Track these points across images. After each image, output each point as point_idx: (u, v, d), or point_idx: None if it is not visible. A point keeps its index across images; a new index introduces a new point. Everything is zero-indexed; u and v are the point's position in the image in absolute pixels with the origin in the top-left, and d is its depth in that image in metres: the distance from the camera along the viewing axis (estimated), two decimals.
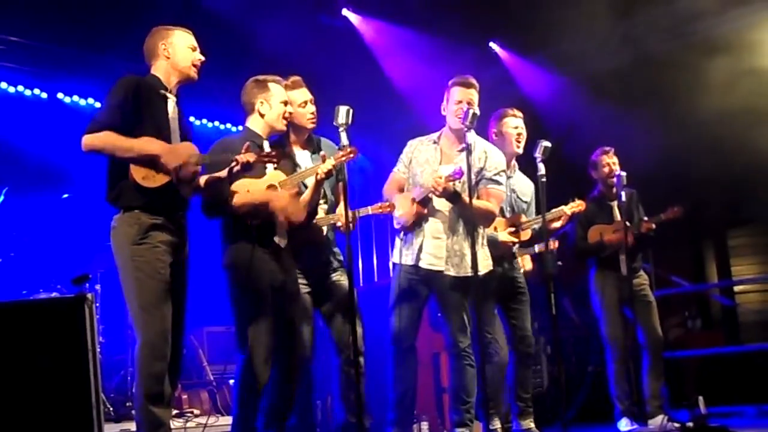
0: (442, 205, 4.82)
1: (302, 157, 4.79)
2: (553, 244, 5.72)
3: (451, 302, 4.84)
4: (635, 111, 7.81)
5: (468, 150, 4.68)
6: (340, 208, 4.70)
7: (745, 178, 7.97)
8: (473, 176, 4.79)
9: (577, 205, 5.47)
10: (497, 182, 4.92)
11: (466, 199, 4.69)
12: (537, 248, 5.65)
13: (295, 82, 4.74)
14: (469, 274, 4.76)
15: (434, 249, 4.84)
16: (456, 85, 4.97)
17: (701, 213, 8.65)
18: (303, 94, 4.75)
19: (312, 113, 4.75)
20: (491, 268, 4.97)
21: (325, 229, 4.75)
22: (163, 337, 3.86)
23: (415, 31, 8.00)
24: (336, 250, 4.86)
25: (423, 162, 4.97)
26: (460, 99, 4.91)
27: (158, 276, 3.90)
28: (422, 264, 4.85)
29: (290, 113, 4.61)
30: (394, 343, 4.84)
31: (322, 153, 4.42)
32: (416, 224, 4.88)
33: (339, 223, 4.73)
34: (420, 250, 4.86)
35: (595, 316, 6.36)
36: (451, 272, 4.82)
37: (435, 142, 5.04)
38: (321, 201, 4.69)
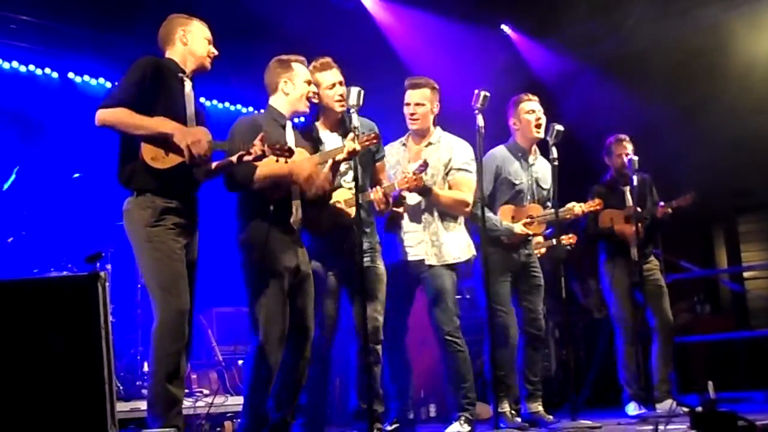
0: (415, 199, 4.96)
1: (331, 140, 4.68)
2: (570, 239, 5.82)
3: (434, 290, 4.97)
4: (647, 96, 7.79)
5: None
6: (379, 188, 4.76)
7: (756, 164, 7.95)
8: (442, 169, 5.03)
9: (595, 204, 5.57)
10: (466, 170, 5.06)
11: (437, 190, 4.94)
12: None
13: (324, 63, 4.68)
14: (449, 261, 4.98)
15: (413, 241, 5.00)
16: (406, 88, 5.11)
17: (712, 198, 8.63)
18: (332, 75, 4.66)
19: (341, 95, 4.62)
20: (474, 253, 5.12)
21: (352, 210, 4.57)
22: (182, 316, 3.87)
23: (426, 12, 7.97)
24: (369, 231, 4.75)
25: (394, 164, 5.10)
26: (407, 101, 5.08)
27: (175, 256, 3.90)
28: (408, 257, 5.00)
29: (315, 93, 4.60)
30: (387, 332, 4.84)
31: (355, 126, 4.34)
32: (394, 223, 5.02)
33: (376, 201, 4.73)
34: (402, 244, 5.02)
35: (605, 301, 6.37)
36: (432, 261, 4.98)
37: (403, 144, 5.22)
38: (352, 183, 4.56)
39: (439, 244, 4.99)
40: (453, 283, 5.02)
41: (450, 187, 5.05)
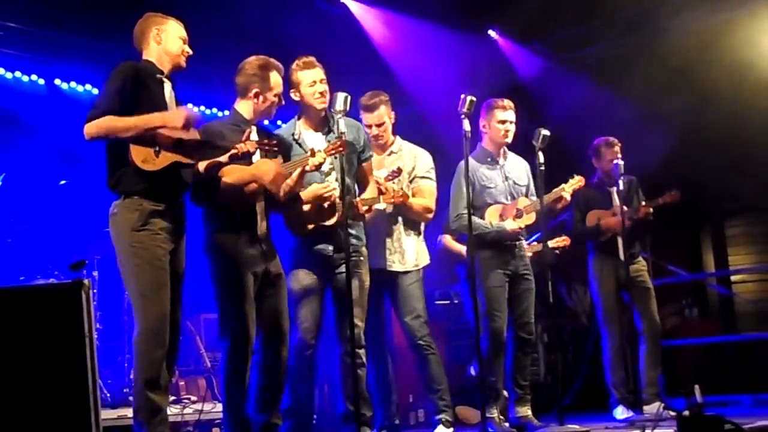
0: (380, 206, 4.96)
1: (314, 140, 4.69)
2: (564, 241, 5.93)
3: (402, 296, 5.06)
4: (634, 99, 7.80)
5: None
6: (368, 192, 4.79)
7: (743, 168, 7.97)
8: (406, 177, 5.12)
9: (577, 182, 5.57)
10: (429, 178, 5.21)
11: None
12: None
13: (306, 62, 4.69)
14: (410, 268, 5.09)
15: (376, 248, 5.04)
16: (361, 109, 5.13)
17: (699, 202, 8.66)
18: (313, 74, 4.67)
19: (321, 93, 4.64)
20: (428, 261, 5.24)
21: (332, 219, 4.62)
22: (163, 323, 3.87)
23: (413, 18, 7.98)
24: (355, 232, 4.72)
25: None
26: (367, 123, 5.12)
27: (158, 263, 3.90)
28: (372, 264, 4.98)
29: (295, 92, 4.65)
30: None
31: (342, 132, 4.35)
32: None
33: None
34: (368, 250, 4.99)
35: (593, 303, 6.37)
36: (396, 267, 5.08)
37: None
38: (335, 183, 4.61)
39: (402, 251, 5.11)
40: (421, 287, 5.13)
41: (413, 194, 5.13)
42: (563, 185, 5.54)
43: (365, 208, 4.71)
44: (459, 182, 5.30)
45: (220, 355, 4.45)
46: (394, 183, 4.94)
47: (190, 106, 4.00)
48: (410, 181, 5.17)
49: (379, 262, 5.06)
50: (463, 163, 5.28)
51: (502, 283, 5.34)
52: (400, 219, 5.14)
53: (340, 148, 4.33)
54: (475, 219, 5.20)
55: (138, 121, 3.85)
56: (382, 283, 5.07)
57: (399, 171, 4.94)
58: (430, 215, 5.23)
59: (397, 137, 5.28)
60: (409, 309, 5.05)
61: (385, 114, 5.16)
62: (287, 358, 4.39)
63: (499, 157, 5.55)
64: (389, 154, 5.22)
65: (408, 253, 5.12)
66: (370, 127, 5.13)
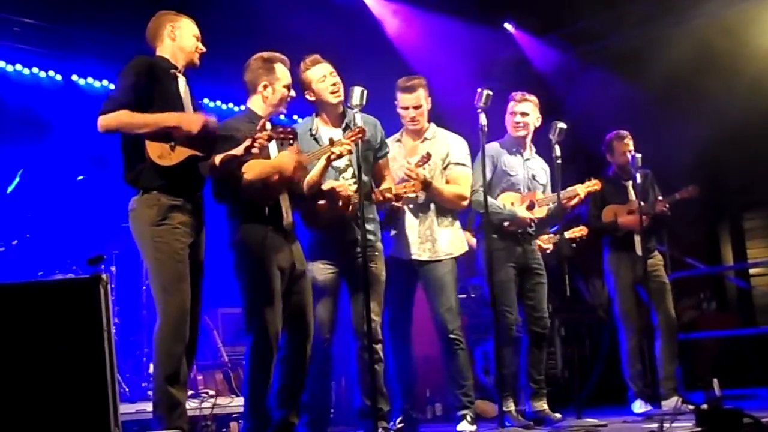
0: (413, 194, 4.93)
1: (332, 136, 4.63)
2: (581, 231, 5.83)
3: (434, 287, 5.00)
4: (651, 92, 7.77)
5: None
6: (386, 185, 4.79)
7: (762, 160, 7.93)
8: (440, 163, 5.08)
9: (593, 185, 5.54)
10: (463, 165, 5.13)
11: (437, 185, 4.98)
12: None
13: (313, 60, 4.69)
14: (441, 257, 5.01)
15: (408, 237, 5.02)
16: (399, 90, 5.12)
17: (717, 195, 8.61)
18: (321, 69, 4.67)
19: (333, 84, 4.64)
20: (465, 249, 5.17)
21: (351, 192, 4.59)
22: (183, 317, 3.89)
23: (429, 11, 7.96)
24: (371, 228, 4.69)
25: (391, 159, 5.03)
26: (404, 105, 5.11)
27: (177, 257, 3.92)
28: (402, 255, 5.00)
29: (310, 91, 4.65)
30: (390, 331, 4.96)
31: (358, 126, 4.35)
32: (392, 218, 4.99)
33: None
34: (397, 241, 5.02)
35: (610, 297, 6.35)
36: (425, 257, 5.01)
37: (398, 140, 5.23)
38: (351, 180, 4.64)
39: (432, 240, 5.04)
40: (454, 278, 5.05)
41: (447, 182, 5.10)
42: (578, 185, 5.52)
43: (389, 196, 4.69)
44: (479, 161, 5.24)
45: (237, 349, 4.45)
46: (423, 169, 4.88)
47: (208, 117, 3.99)
48: (444, 168, 5.11)
49: (409, 253, 5.02)
50: (487, 145, 5.24)
51: (511, 277, 5.32)
52: (432, 206, 5.07)
53: (360, 135, 4.32)
54: (489, 199, 5.19)
55: (155, 119, 3.88)
56: (413, 273, 5.04)
57: (428, 156, 4.87)
58: (465, 202, 5.14)
59: (432, 124, 5.22)
60: (442, 301, 4.98)
61: (422, 97, 5.10)
62: (311, 356, 4.39)
63: (523, 149, 5.54)
64: (422, 141, 5.17)
65: (440, 242, 5.04)
66: (406, 109, 5.09)
